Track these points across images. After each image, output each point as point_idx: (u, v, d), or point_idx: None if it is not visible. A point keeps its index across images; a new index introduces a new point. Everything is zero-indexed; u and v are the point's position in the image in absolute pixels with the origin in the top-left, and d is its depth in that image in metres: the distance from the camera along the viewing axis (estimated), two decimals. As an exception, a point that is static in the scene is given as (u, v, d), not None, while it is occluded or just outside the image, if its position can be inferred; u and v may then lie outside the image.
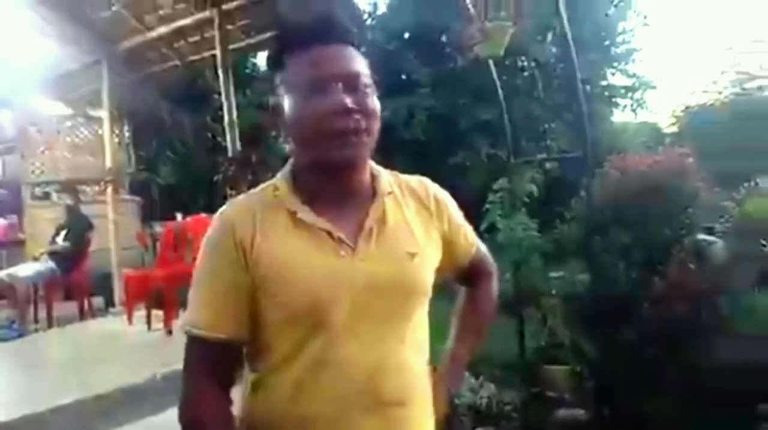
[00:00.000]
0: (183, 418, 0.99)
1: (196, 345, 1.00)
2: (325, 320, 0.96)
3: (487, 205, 3.95)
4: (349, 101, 0.96)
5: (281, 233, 0.99)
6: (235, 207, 1.04)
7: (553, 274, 3.92)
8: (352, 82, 0.98)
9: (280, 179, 1.05)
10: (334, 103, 0.95)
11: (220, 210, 1.04)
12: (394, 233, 1.03)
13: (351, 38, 1.02)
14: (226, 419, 1.00)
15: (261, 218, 1.00)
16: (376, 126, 1.01)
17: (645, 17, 11.24)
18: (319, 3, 1.10)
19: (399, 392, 1.01)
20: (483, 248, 1.27)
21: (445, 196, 1.17)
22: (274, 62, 1.04)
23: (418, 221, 1.08)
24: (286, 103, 1.00)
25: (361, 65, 1.01)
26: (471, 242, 1.22)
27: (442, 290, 1.17)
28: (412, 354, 1.04)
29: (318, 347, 0.97)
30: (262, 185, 1.07)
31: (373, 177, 1.08)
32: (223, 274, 0.99)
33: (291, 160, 1.07)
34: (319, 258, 0.98)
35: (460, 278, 1.27)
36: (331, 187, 1.02)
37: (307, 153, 1.02)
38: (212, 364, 1.00)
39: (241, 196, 1.08)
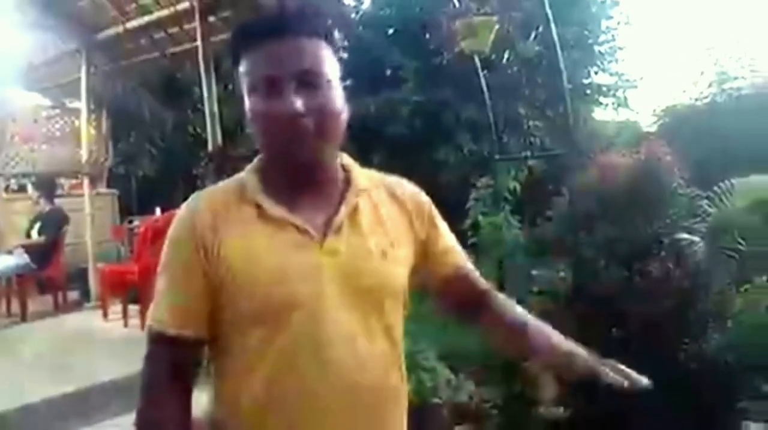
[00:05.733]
0: (139, 421, 0.95)
1: (156, 341, 0.97)
2: (290, 316, 0.93)
3: (470, 203, 3.93)
4: (299, 104, 0.91)
5: (246, 226, 0.96)
6: (198, 200, 1.01)
7: (535, 271, 3.92)
8: (307, 80, 0.94)
9: (247, 173, 1.03)
10: (285, 107, 0.91)
11: (184, 203, 1.01)
12: (365, 230, 1.00)
13: (314, 30, 0.96)
14: (183, 424, 0.96)
15: (225, 210, 0.97)
16: (337, 123, 0.97)
17: (627, 16, 11.33)
18: None
19: (369, 390, 0.98)
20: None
21: (424, 198, 1.13)
22: (233, 57, 1.00)
23: (392, 219, 1.05)
24: (245, 98, 0.97)
25: (320, 60, 0.96)
26: (458, 249, 1.17)
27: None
28: (383, 353, 1.01)
29: (284, 345, 0.93)
30: (229, 179, 1.04)
31: (346, 172, 1.05)
32: (182, 269, 0.96)
33: (260, 155, 1.04)
34: (285, 252, 0.95)
35: (455, 298, 1.18)
36: (296, 183, 0.99)
37: (265, 150, 1.00)
38: (172, 362, 0.96)
39: (207, 189, 1.05)
